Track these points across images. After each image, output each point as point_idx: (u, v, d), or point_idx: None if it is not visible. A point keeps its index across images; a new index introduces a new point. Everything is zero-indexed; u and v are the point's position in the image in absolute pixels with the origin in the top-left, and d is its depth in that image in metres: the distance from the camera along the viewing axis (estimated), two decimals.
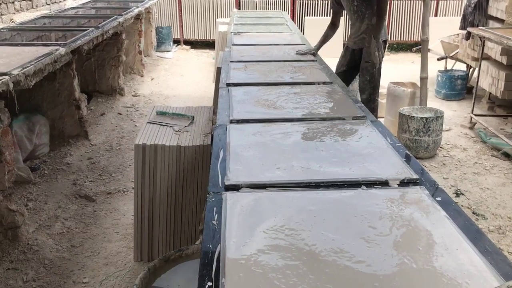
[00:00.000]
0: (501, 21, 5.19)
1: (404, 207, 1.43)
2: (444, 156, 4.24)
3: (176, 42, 8.63)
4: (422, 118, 4.12)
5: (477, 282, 1.11)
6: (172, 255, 2.10)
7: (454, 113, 5.35)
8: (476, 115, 4.88)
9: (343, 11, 3.91)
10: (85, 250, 2.86)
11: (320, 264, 1.17)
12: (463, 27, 5.73)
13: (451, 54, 6.07)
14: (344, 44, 4.09)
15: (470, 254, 1.20)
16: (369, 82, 3.69)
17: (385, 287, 1.10)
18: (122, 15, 5.37)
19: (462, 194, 3.56)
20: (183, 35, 8.65)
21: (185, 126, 2.73)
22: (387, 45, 3.73)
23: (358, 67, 3.76)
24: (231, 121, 2.15)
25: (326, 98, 2.52)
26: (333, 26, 3.92)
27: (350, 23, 3.83)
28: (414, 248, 1.24)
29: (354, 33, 3.74)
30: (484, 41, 4.67)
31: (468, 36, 5.46)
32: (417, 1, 8.20)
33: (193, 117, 2.84)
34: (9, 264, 2.66)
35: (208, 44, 8.64)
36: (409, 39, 8.56)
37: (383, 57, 3.67)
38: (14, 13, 5.27)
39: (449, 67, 6.23)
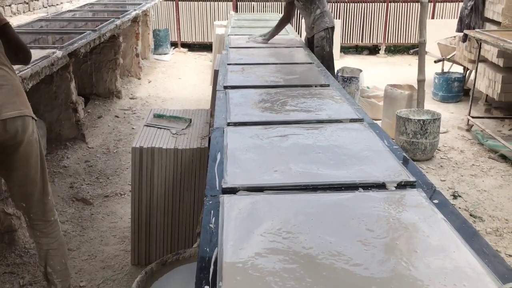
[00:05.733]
0: (497, 23, 5.21)
1: (402, 210, 1.43)
2: (441, 158, 4.24)
3: (174, 44, 8.63)
4: (419, 120, 4.13)
5: (475, 284, 1.11)
6: (169, 259, 2.10)
7: (451, 115, 5.36)
8: (473, 117, 4.89)
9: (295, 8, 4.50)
10: (82, 254, 2.85)
11: (318, 267, 1.17)
12: (459, 29, 5.74)
13: (448, 57, 6.08)
14: None
15: (467, 257, 1.20)
16: (321, 63, 4.15)
17: None
18: (119, 18, 5.36)
19: (460, 196, 3.56)
20: (180, 37, 8.64)
21: (182, 129, 2.72)
22: (334, 30, 4.38)
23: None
24: (229, 124, 2.15)
25: (323, 100, 2.52)
26: (287, 18, 4.49)
27: (303, 18, 4.73)
28: (411, 251, 1.24)
29: (306, 25, 4.38)
30: (480, 43, 4.68)
31: (465, 38, 5.48)
32: (414, 4, 8.22)
33: (191, 119, 2.84)
34: (6, 268, 2.65)
35: (206, 47, 8.64)
36: (406, 42, 8.57)
37: (331, 41, 4.29)
38: (11, 16, 5.26)
39: (446, 70, 6.24)
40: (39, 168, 2.15)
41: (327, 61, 4.20)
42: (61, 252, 2.31)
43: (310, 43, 4.34)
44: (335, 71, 4.70)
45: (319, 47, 4.21)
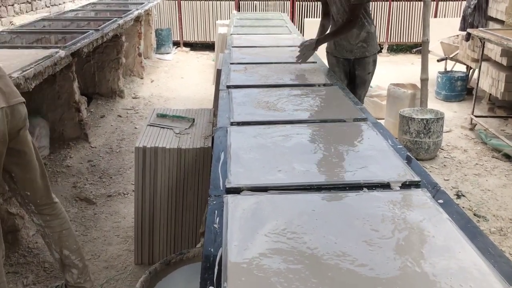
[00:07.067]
0: (501, 22, 5.19)
1: (406, 210, 1.43)
2: (444, 157, 4.23)
3: (176, 44, 8.63)
4: (422, 119, 4.12)
5: (480, 285, 1.10)
6: (173, 259, 2.10)
7: (455, 115, 5.34)
8: (476, 116, 4.87)
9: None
10: (86, 253, 2.84)
11: (323, 268, 1.16)
12: (463, 28, 5.73)
13: (451, 55, 6.07)
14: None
15: (473, 257, 1.20)
16: (366, 92, 3.47)
17: None
18: (121, 17, 5.36)
19: (463, 195, 3.55)
20: (182, 37, 8.64)
21: (186, 129, 2.72)
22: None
23: (354, 78, 3.35)
24: (232, 123, 2.15)
25: (327, 100, 2.52)
26: (326, 16, 3.44)
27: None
28: (417, 251, 1.23)
29: (346, 41, 3.25)
30: (484, 42, 4.67)
31: (468, 37, 5.46)
32: (417, 2, 8.20)
33: (194, 119, 2.84)
34: (9, 267, 2.65)
35: (208, 46, 8.63)
36: (409, 41, 8.56)
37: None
38: (13, 16, 5.26)
39: (449, 68, 6.22)
40: (35, 150, 2.21)
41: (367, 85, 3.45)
42: (72, 230, 2.38)
43: (348, 66, 3.34)
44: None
45: (370, 73, 3.32)
